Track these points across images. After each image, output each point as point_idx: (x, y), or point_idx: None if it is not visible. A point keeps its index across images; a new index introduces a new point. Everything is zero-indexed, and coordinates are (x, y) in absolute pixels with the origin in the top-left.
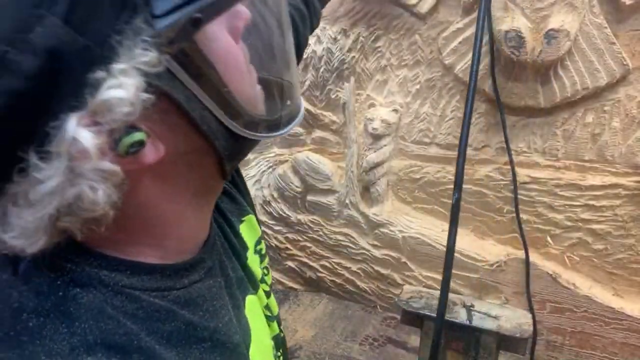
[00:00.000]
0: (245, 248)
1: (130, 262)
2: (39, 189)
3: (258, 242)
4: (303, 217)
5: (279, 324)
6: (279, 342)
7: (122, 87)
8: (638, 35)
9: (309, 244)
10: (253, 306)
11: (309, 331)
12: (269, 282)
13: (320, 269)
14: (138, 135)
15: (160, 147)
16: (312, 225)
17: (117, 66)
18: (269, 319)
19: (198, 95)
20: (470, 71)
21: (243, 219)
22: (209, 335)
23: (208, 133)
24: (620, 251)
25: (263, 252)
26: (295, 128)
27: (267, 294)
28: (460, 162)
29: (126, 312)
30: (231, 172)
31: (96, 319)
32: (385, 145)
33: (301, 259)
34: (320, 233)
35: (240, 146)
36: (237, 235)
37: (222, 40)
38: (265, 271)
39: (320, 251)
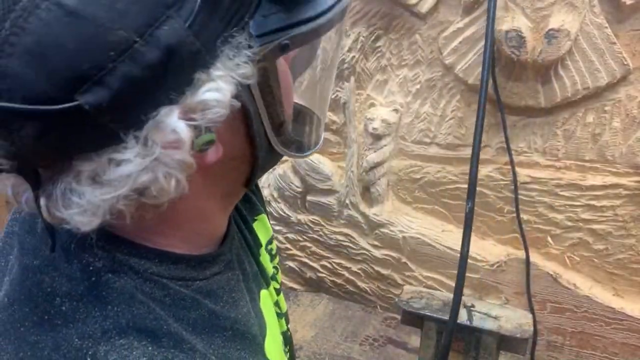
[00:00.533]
0: (259, 245)
1: (158, 251)
2: (118, 170)
3: (269, 242)
4: (303, 217)
5: (287, 322)
6: (287, 339)
7: (219, 91)
8: (638, 35)
9: (309, 244)
10: (266, 300)
11: (309, 331)
12: (279, 281)
13: (321, 269)
14: (211, 136)
15: (220, 150)
16: (312, 225)
17: (216, 72)
18: (278, 315)
19: (260, 109)
20: (481, 80)
21: (256, 217)
22: (230, 324)
23: (257, 144)
24: (621, 251)
25: (274, 251)
26: None
27: (277, 292)
28: (474, 171)
29: (155, 299)
30: (255, 182)
31: (128, 303)
32: (385, 145)
33: (301, 259)
34: (321, 233)
35: (272, 161)
36: (252, 232)
37: (283, 64)
38: (276, 270)
39: (321, 251)
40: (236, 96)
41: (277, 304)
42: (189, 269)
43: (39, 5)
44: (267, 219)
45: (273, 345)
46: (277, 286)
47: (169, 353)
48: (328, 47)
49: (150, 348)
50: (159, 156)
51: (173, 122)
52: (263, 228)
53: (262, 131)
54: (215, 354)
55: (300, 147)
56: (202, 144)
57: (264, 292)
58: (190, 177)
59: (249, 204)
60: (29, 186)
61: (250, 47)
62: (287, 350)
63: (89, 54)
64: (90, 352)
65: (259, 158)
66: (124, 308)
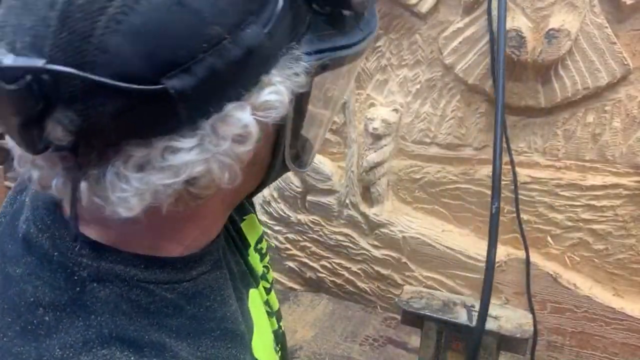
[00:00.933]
0: (247, 245)
1: (143, 257)
2: (175, 158)
3: (259, 241)
4: (303, 217)
5: (279, 320)
6: (279, 337)
7: (279, 94)
8: (639, 34)
9: (309, 244)
10: (255, 300)
11: (309, 331)
12: (270, 280)
13: (321, 269)
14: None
15: (251, 153)
16: (312, 226)
17: (276, 77)
18: (269, 314)
19: (288, 122)
20: (496, 86)
21: (245, 217)
22: (217, 325)
23: (277, 155)
24: (621, 251)
25: (264, 250)
26: None
27: (268, 291)
28: (497, 172)
29: (140, 306)
30: (257, 194)
31: (112, 313)
32: (385, 145)
33: (301, 259)
34: (320, 233)
35: (280, 173)
36: (239, 231)
37: (330, 93)
38: (266, 269)
39: (321, 251)
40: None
41: (267, 302)
42: (175, 271)
43: None
44: (256, 218)
45: (261, 344)
46: (267, 285)
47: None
48: (345, 79)
49: (132, 358)
50: (225, 148)
51: (245, 117)
52: (252, 228)
53: (283, 144)
54: (203, 356)
55: (301, 163)
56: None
57: (253, 292)
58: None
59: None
60: (63, 170)
61: (305, 60)
62: (278, 348)
63: (186, 42)
64: None
65: (274, 169)
66: (107, 318)
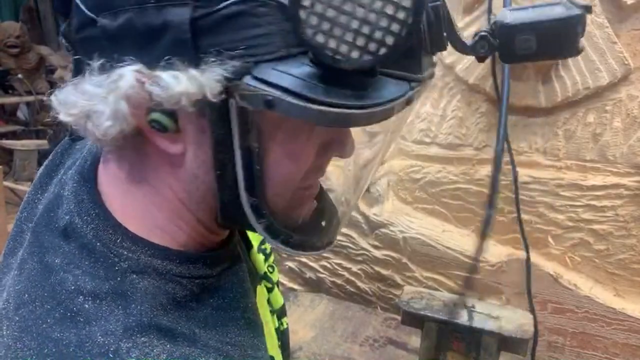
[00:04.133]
0: (250, 246)
1: (178, 252)
2: (86, 84)
3: (263, 241)
4: None
5: (279, 317)
6: (278, 334)
7: (179, 82)
8: (639, 34)
9: None
10: (260, 296)
11: (309, 332)
12: (275, 280)
13: (321, 270)
14: (167, 121)
15: (182, 148)
16: None
17: (192, 71)
18: (271, 312)
19: (235, 150)
20: (502, 88)
21: None
22: (241, 314)
23: (222, 182)
24: (622, 252)
25: (268, 251)
26: None
27: (269, 290)
28: (496, 177)
29: (175, 299)
30: (226, 228)
31: (150, 303)
32: None
33: (301, 259)
34: None
35: (242, 220)
36: (243, 233)
37: (299, 146)
38: (270, 269)
39: None
40: (200, 108)
41: (268, 301)
42: (205, 268)
43: None
44: None
45: (269, 340)
46: (269, 285)
47: (186, 349)
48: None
49: (168, 346)
50: (118, 96)
51: (133, 78)
52: None
53: (232, 177)
54: (231, 343)
55: (292, 242)
56: (154, 120)
57: (259, 288)
58: (134, 140)
59: None
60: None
61: (237, 78)
62: (279, 344)
63: None
64: (112, 349)
65: (225, 205)
66: (147, 307)
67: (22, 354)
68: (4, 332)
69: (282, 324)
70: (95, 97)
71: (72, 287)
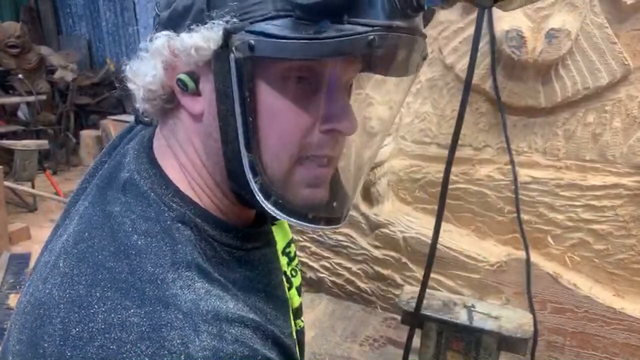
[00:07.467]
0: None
1: (215, 218)
2: (155, 42)
3: (288, 245)
4: None
5: (296, 317)
6: (295, 333)
7: (192, 38)
8: (639, 34)
9: (309, 244)
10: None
11: (309, 331)
12: (296, 284)
13: (321, 270)
14: (189, 81)
15: (200, 107)
16: None
17: (205, 31)
18: None
19: (235, 102)
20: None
21: (275, 222)
22: (263, 287)
23: (226, 136)
24: (622, 251)
25: (292, 254)
26: None
27: (287, 289)
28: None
29: (206, 255)
30: (240, 198)
31: (193, 246)
32: (385, 145)
33: (301, 259)
34: (320, 233)
35: (242, 177)
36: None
37: (288, 102)
38: (294, 272)
39: (321, 251)
40: (211, 65)
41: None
42: (236, 239)
43: None
44: (287, 224)
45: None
46: (288, 285)
47: (221, 291)
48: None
49: (207, 284)
50: (153, 55)
51: (164, 39)
52: (281, 231)
53: (233, 132)
54: (255, 305)
55: (283, 204)
56: (180, 80)
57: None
58: (167, 97)
59: None
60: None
61: (234, 32)
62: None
63: None
64: (160, 277)
65: (229, 160)
66: (190, 249)
67: (78, 279)
68: (61, 264)
69: (297, 324)
70: (141, 61)
71: (130, 229)
